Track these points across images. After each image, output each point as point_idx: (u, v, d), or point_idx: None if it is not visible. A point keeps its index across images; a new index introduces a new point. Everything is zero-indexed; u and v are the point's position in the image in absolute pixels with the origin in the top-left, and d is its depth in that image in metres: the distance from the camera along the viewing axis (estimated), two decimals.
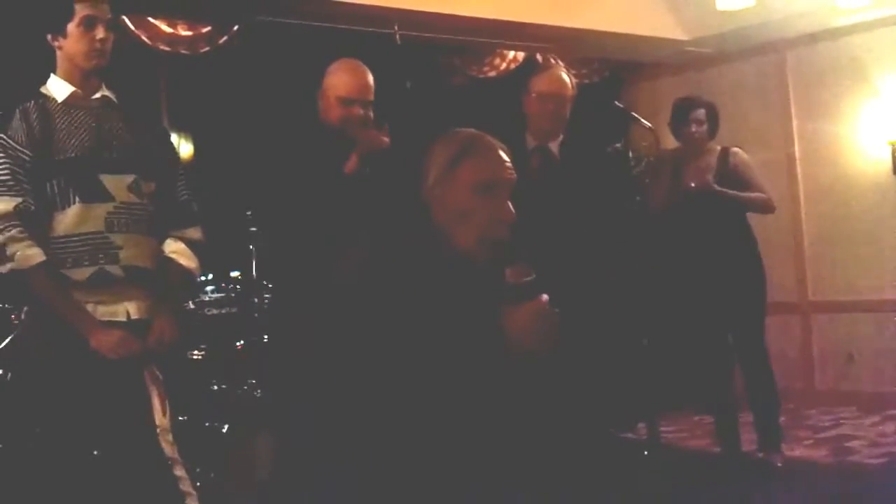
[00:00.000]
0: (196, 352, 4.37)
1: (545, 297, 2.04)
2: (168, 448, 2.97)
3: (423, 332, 2.00)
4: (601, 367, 3.92)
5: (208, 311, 4.57)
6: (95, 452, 2.83)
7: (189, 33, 5.32)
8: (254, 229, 4.61)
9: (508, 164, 2.17)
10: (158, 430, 2.97)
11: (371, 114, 3.62)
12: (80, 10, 2.97)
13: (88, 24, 2.98)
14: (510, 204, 2.14)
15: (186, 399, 3.64)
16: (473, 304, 2.03)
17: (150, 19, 5.17)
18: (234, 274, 4.80)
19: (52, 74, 3.05)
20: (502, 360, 2.05)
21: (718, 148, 4.98)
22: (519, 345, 2.00)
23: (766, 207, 5.00)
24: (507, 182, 2.15)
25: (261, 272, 4.62)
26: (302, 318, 3.38)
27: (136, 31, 5.10)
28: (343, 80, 3.61)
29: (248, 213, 4.65)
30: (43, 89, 3.05)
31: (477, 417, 2.06)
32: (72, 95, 3.02)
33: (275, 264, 3.66)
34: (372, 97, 3.63)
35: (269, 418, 4.14)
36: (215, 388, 4.35)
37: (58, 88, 3.03)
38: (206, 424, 4.17)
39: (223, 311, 4.61)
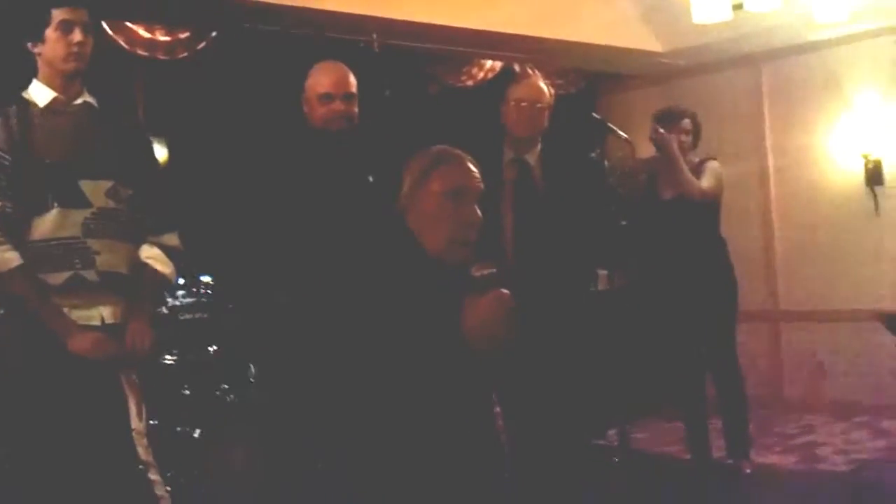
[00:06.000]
0: (168, 356, 4.38)
1: (505, 290, 2.20)
2: (143, 451, 2.99)
3: (397, 326, 2.16)
4: (574, 374, 3.96)
5: (181, 315, 4.57)
6: (70, 454, 2.84)
7: (167, 38, 5.31)
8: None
9: (475, 174, 2.36)
10: (134, 434, 2.99)
11: (355, 108, 3.64)
12: (57, 15, 3.00)
13: (65, 28, 3.00)
14: (477, 209, 2.33)
15: (159, 403, 3.65)
16: (443, 300, 2.19)
17: (128, 24, 5.16)
18: (206, 279, 4.78)
19: (34, 80, 3.07)
20: (470, 356, 2.20)
21: (696, 160, 5.00)
22: (480, 332, 2.15)
23: (690, 191, 4.84)
24: (474, 189, 2.35)
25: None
26: (288, 315, 3.43)
27: (114, 36, 5.09)
28: (320, 78, 3.64)
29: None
30: (24, 94, 3.06)
31: (444, 416, 2.19)
32: (53, 101, 3.04)
33: (249, 261, 3.66)
34: (353, 90, 3.64)
35: (246, 421, 4.16)
36: (187, 392, 4.36)
37: (39, 93, 3.05)
38: (178, 429, 4.18)
39: (196, 316, 4.62)
